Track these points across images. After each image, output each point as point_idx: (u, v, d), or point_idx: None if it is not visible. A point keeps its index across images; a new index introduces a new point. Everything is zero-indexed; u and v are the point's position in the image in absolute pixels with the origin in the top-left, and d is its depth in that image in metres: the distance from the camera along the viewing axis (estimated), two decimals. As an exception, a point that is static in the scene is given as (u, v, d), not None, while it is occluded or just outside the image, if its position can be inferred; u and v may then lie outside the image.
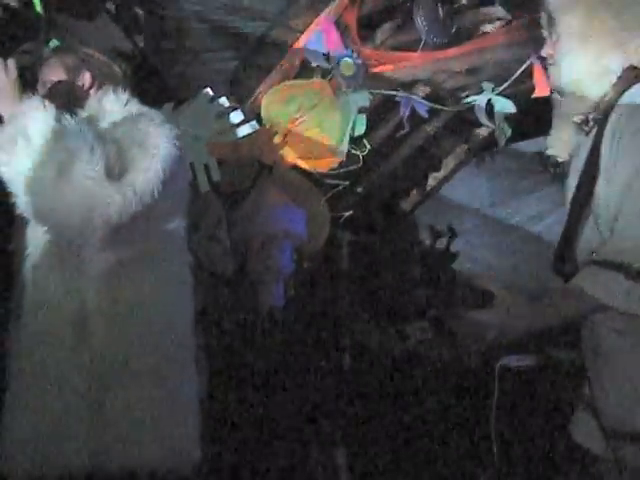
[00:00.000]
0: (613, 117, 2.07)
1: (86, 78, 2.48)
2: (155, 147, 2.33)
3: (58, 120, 2.27)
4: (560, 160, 2.25)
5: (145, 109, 2.45)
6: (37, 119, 2.26)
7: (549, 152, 2.29)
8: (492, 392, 3.39)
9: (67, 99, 2.43)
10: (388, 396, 3.69)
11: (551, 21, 2.18)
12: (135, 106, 2.45)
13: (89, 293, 2.35)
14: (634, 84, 2.10)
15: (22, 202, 2.27)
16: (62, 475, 2.31)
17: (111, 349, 2.34)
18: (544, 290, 2.24)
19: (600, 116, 2.11)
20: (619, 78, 2.11)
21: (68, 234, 2.31)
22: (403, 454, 3.59)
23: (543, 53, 2.24)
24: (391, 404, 3.68)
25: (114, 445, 2.31)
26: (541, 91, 3.44)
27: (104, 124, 2.40)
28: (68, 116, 2.31)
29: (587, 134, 2.15)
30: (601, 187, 2.08)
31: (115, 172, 2.25)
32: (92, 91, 2.48)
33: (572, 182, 2.19)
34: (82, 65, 2.48)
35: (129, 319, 2.37)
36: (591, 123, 2.13)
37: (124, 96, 2.45)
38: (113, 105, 2.43)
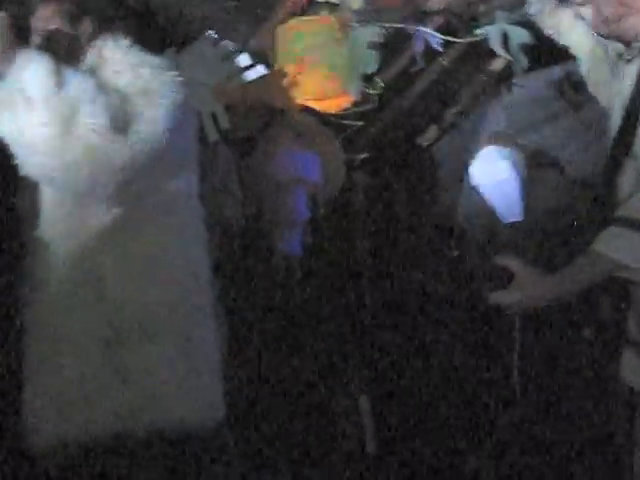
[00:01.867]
0: None
1: (85, 25, 2.34)
2: (160, 96, 2.22)
3: (56, 72, 2.14)
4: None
5: (147, 56, 2.33)
6: (33, 72, 2.13)
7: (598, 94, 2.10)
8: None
9: (65, 49, 2.30)
10: (410, 343, 3.62)
11: None
12: (136, 53, 2.33)
13: (101, 251, 2.27)
14: None
15: (26, 162, 2.17)
16: (88, 440, 2.27)
17: (127, 307, 2.28)
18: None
19: None
20: None
21: (76, 191, 2.22)
22: (427, 401, 3.52)
23: None
24: (414, 351, 3.61)
25: (138, 405, 2.27)
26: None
27: (105, 73, 2.27)
28: (66, 67, 2.19)
29: (628, 61, 1.97)
30: None
31: (120, 124, 2.14)
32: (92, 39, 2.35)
33: (616, 117, 2.03)
34: (79, 10, 2.34)
35: (143, 275, 2.31)
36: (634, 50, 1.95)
37: (124, 42, 2.33)
38: (114, 53, 2.31)
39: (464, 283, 3.37)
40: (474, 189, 3.96)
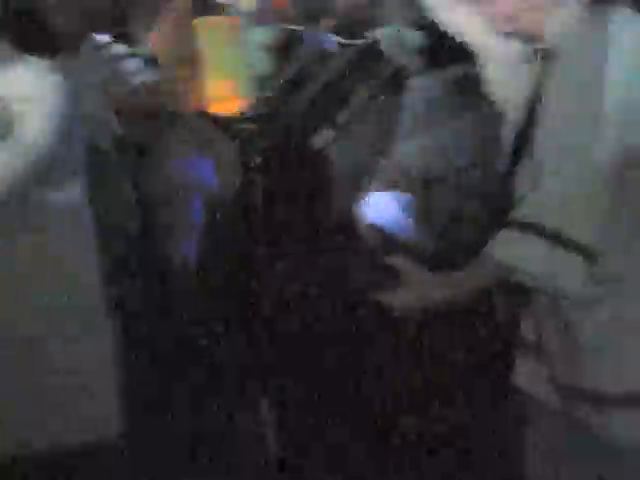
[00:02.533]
0: (565, 44, 1.85)
1: None
2: (44, 102, 2.14)
3: None
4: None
5: (30, 59, 2.24)
6: None
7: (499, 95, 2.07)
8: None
9: None
10: (310, 343, 3.60)
11: None
12: (17, 55, 2.24)
13: None
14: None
15: None
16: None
17: (13, 316, 2.21)
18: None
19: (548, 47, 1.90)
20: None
21: None
22: (328, 404, 3.50)
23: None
24: (314, 351, 3.59)
25: (21, 426, 2.20)
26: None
27: None
28: None
29: (530, 62, 1.95)
30: (541, 128, 1.87)
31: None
32: None
33: (515, 118, 2.00)
34: None
35: (30, 284, 2.23)
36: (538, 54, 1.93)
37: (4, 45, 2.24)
38: None
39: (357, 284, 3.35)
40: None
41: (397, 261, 1.92)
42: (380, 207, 2.36)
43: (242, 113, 3.43)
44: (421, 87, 4.48)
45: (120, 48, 3.08)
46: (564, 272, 1.75)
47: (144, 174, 3.27)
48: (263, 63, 3.35)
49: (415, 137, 4.41)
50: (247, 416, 3.43)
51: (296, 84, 3.79)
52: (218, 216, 3.48)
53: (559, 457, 2.06)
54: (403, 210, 2.70)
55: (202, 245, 3.45)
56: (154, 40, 3.26)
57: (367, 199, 2.92)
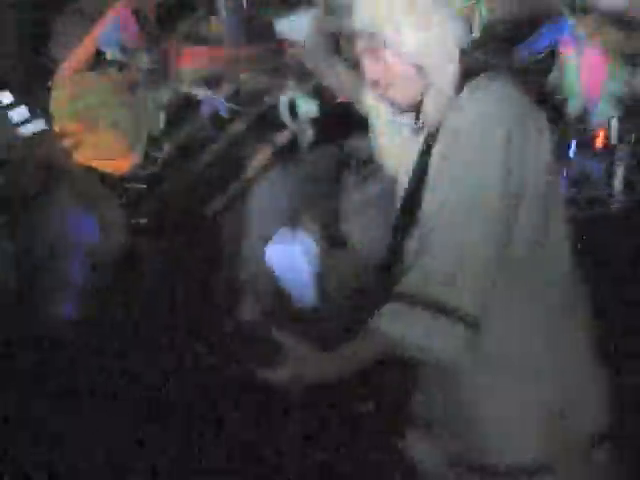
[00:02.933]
0: (450, 117, 1.87)
1: None
2: None
3: None
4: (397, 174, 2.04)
5: None
6: None
7: (385, 167, 2.06)
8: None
9: None
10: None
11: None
12: None
13: None
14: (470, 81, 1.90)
15: None
16: None
17: None
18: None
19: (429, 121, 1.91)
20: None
21: None
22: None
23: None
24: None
25: None
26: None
27: None
28: None
29: (418, 132, 1.96)
30: (425, 198, 1.88)
31: None
32: None
33: (400, 188, 2.00)
34: None
35: None
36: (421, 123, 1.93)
37: None
38: None
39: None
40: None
41: (281, 336, 1.85)
42: (284, 249, 2.28)
43: (131, 172, 3.36)
44: (312, 160, 4.52)
45: (7, 97, 2.98)
46: (445, 341, 1.73)
47: (24, 228, 3.14)
48: (157, 123, 3.29)
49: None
50: None
51: (191, 147, 3.75)
52: (98, 277, 3.35)
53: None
54: (308, 252, 2.63)
55: (81, 308, 3.31)
56: (45, 92, 3.17)
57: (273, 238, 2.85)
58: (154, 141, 3.36)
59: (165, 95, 3.26)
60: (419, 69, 1.86)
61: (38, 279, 3.19)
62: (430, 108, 1.88)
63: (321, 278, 3.42)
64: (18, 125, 3.03)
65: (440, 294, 1.74)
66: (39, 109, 3.17)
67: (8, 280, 2.96)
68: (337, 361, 1.81)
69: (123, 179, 3.42)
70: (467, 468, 1.90)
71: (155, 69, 3.19)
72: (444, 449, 1.95)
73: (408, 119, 1.96)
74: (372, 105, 2.00)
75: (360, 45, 1.89)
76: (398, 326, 1.75)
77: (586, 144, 3.83)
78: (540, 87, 3.40)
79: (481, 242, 1.75)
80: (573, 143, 3.75)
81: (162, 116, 3.29)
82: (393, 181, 2.05)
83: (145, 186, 3.50)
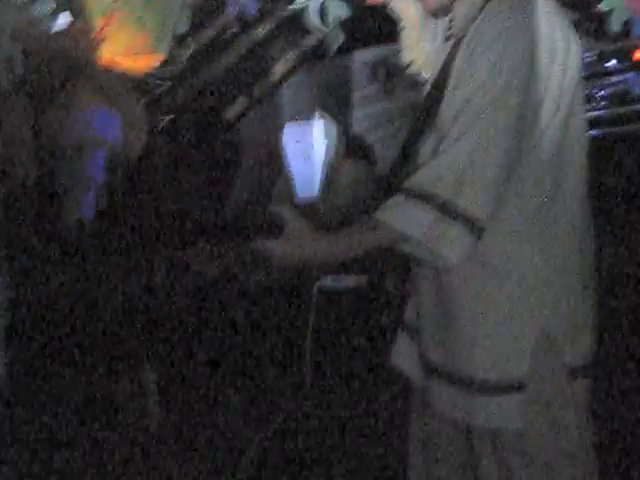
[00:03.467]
0: (476, 23, 1.83)
1: None
2: None
3: None
4: (425, 74, 2.00)
5: None
6: None
7: (413, 67, 2.01)
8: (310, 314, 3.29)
9: None
10: (199, 317, 3.51)
11: None
12: None
13: None
14: None
15: None
16: None
17: None
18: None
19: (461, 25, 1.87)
20: None
21: None
22: (212, 377, 3.43)
23: None
24: (201, 325, 3.50)
25: None
26: (376, -2, 3.24)
27: None
28: None
29: (447, 39, 1.92)
30: (444, 101, 1.86)
31: None
32: None
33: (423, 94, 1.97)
34: None
35: None
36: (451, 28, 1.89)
37: None
38: None
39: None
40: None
41: (281, 210, 1.84)
42: (303, 130, 2.23)
43: (155, 70, 3.31)
44: (340, 66, 4.44)
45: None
46: (449, 241, 1.72)
47: (46, 122, 3.11)
48: (183, 21, 3.21)
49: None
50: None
51: (215, 47, 3.69)
52: (120, 175, 3.34)
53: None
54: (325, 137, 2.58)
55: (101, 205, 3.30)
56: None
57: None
58: (179, 39, 3.29)
59: (192, -8, 3.19)
60: None
61: (58, 173, 3.18)
62: (460, 13, 1.84)
63: (331, 169, 3.40)
64: (45, 17, 2.98)
65: (449, 194, 1.72)
66: (66, 2, 3.12)
67: (29, 173, 2.95)
68: (334, 243, 1.79)
69: (145, 77, 3.37)
70: (447, 379, 1.90)
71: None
72: (428, 357, 1.95)
73: (438, 24, 1.92)
74: (403, 7, 1.95)
75: None
76: (402, 219, 1.73)
77: (626, 58, 3.75)
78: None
79: (496, 147, 1.72)
80: (613, 59, 3.68)
81: (188, 14, 3.20)
82: (419, 92, 2.01)
83: (168, 84, 3.46)
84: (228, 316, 3.43)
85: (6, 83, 2.81)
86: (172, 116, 3.64)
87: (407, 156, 1.94)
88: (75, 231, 3.16)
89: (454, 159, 1.74)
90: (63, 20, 3.11)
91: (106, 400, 3.24)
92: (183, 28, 3.22)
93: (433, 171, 1.76)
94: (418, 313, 1.97)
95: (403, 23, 1.97)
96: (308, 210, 3.20)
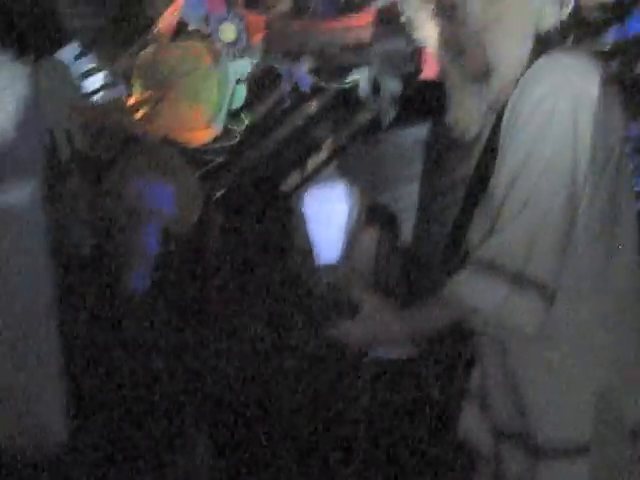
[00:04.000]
0: (515, 91, 1.86)
1: None
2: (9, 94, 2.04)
3: None
4: (469, 135, 2.02)
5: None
6: None
7: (456, 129, 2.03)
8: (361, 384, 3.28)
9: None
10: (254, 385, 3.50)
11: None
12: None
13: None
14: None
15: None
16: None
17: None
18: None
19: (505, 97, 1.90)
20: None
21: None
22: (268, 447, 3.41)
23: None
24: (259, 393, 3.49)
25: None
26: (428, 72, 3.27)
27: None
28: None
29: (492, 110, 1.94)
30: (495, 170, 1.87)
31: None
32: None
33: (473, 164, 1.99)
34: None
35: None
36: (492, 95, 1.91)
37: None
38: None
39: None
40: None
41: (356, 292, 1.85)
42: (328, 194, 2.25)
43: (209, 144, 3.35)
44: (392, 142, 4.48)
45: (93, 60, 2.98)
46: (522, 311, 1.74)
47: (101, 194, 3.16)
48: (238, 96, 3.26)
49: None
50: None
51: (269, 121, 3.74)
52: (173, 248, 3.36)
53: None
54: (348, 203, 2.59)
55: (153, 278, 3.32)
56: (130, 58, 3.18)
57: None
58: (234, 114, 3.34)
59: (247, 68, 3.23)
60: (485, 42, 1.85)
61: (111, 246, 3.21)
62: (497, 81, 1.87)
63: (351, 236, 3.40)
64: (98, 91, 3.05)
65: (519, 264, 1.74)
66: (120, 76, 3.19)
67: (84, 243, 2.98)
68: (409, 321, 1.81)
69: (201, 151, 3.42)
70: (516, 445, 1.88)
71: (238, 41, 3.16)
72: (498, 424, 1.93)
73: (479, 89, 1.94)
74: (448, 70, 1.98)
75: (435, 5, 1.90)
76: (474, 294, 1.76)
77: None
78: (627, 70, 3.33)
79: (556, 214, 1.76)
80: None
81: (244, 89, 3.25)
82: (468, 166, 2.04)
83: (222, 159, 3.50)
84: (281, 386, 3.42)
85: (65, 155, 2.86)
86: (225, 189, 3.68)
87: (459, 228, 1.96)
88: (129, 302, 3.18)
89: (518, 230, 1.77)
90: (115, 93, 3.18)
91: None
92: (238, 103, 3.27)
93: (499, 243, 1.79)
94: (484, 381, 1.97)
95: (448, 84, 2.00)
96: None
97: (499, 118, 1.89)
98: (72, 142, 2.88)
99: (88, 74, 2.99)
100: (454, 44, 1.89)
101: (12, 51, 2.18)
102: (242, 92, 3.26)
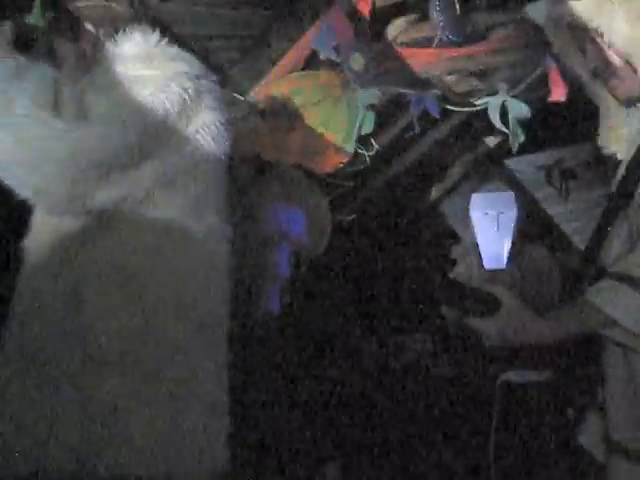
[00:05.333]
0: None
1: (88, 37, 2.25)
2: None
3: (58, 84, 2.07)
4: (619, 158, 2.04)
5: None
6: (38, 83, 2.05)
7: (606, 150, 2.07)
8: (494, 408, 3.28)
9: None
10: (384, 410, 3.54)
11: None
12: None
13: (80, 261, 2.07)
14: None
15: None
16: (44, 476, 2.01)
17: (105, 320, 2.03)
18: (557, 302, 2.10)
19: None
20: None
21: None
22: (398, 471, 3.43)
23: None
24: (387, 419, 3.53)
25: (107, 448, 2.00)
26: (557, 95, 3.27)
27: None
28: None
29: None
30: None
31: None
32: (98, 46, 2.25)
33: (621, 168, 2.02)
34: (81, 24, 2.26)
35: (124, 286, 2.07)
36: None
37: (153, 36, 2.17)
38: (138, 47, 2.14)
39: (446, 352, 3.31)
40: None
41: (496, 289, 1.89)
42: (495, 196, 2.29)
43: (340, 169, 3.44)
44: (516, 169, 4.46)
45: (227, 94, 3.09)
46: None
47: (237, 218, 3.27)
48: (368, 122, 3.33)
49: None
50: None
51: (396, 148, 3.80)
52: (304, 270, 3.45)
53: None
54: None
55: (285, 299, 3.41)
56: (263, 89, 3.30)
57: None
58: (363, 139, 3.42)
59: (376, 95, 3.30)
60: (631, 65, 1.87)
61: (246, 269, 3.31)
62: None
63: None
64: (239, 121, 3.16)
65: None
66: (254, 107, 3.30)
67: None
68: (545, 325, 1.84)
69: (330, 175, 3.51)
70: (624, 454, 1.91)
71: (368, 70, 3.24)
72: (614, 436, 1.97)
73: (633, 111, 1.96)
74: (601, 94, 2.01)
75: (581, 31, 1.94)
76: (613, 303, 1.79)
77: None
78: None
79: None
80: None
81: (372, 116, 3.33)
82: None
83: (352, 184, 3.58)
84: (410, 408, 3.45)
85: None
86: (354, 216, 3.76)
87: (598, 240, 1.98)
88: (263, 324, 3.27)
89: None
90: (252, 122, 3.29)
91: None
92: (367, 129, 3.34)
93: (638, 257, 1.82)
94: (607, 393, 1.98)
95: (602, 108, 2.03)
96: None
97: None
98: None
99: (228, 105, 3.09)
100: (604, 70, 1.92)
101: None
102: (371, 118, 3.34)
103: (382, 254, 3.88)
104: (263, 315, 3.29)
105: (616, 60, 1.90)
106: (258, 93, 3.32)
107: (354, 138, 3.34)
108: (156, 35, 2.17)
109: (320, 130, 3.32)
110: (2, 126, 1.97)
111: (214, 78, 2.25)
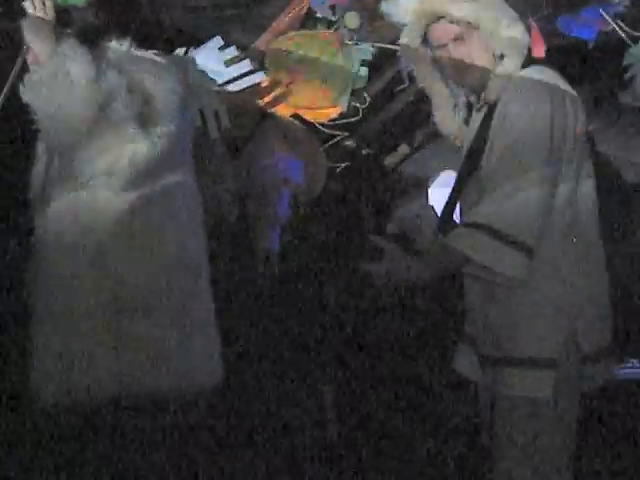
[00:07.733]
0: (509, 89, 2.34)
1: None
2: (176, 97, 2.46)
3: (95, 63, 2.35)
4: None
5: (161, 58, 2.54)
6: (77, 60, 2.32)
7: (444, 132, 2.55)
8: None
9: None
10: (379, 337, 3.86)
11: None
12: (151, 56, 2.54)
13: (106, 231, 2.44)
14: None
15: (52, 134, 2.39)
16: (90, 401, 2.42)
17: (130, 282, 2.45)
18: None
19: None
20: None
21: (95, 172, 2.40)
22: (390, 394, 3.75)
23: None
24: (382, 344, 3.84)
25: (139, 370, 2.43)
26: (537, 52, 3.52)
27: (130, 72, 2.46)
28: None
29: (479, 110, 2.43)
30: (485, 155, 2.35)
31: (143, 119, 2.40)
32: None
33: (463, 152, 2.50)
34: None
35: (146, 253, 2.47)
36: (482, 101, 2.41)
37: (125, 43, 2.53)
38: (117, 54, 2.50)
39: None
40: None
41: (381, 241, 2.34)
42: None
43: (334, 120, 3.69)
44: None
45: (233, 51, 3.31)
46: (507, 263, 2.24)
47: (240, 166, 3.54)
48: (362, 77, 3.59)
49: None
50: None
51: (384, 99, 4.06)
52: (302, 212, 3.74)
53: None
54: None
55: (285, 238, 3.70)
56: (262, 45, 3.51)
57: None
58: (356, 93, 3.67)
59: (369, 51, 3.55)
60: (499, 58, 2.37)
61: (249, 213, 3.59)
62: (494, 89, 2.37)
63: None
64: (240, 77, 3.37)
65: (503, 225, 2.24)
66: (256, 61, 3.52)
67: (231, 210, 3.37)
68: (419, 267, 2.31)
69: (325, 126, 3.77)
70: (492, 363, 2.37)
71: (361, 27, 3.47)
72: (483, 353, 2.43)
73: (471, 98, 2.47)
74: (432, 86, 2.53)
75: (453, 30, 2.37)
76: (468, 247, 2.26)
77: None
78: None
79: (538, 186, 2.26)
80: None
81: (366, 70, 3.58)
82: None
83: (346, 133, 3.84)
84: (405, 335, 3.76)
85: (214, 134, 3.22)
86: (347, 163, 4.03)
87: (455, 197, 2.48)
88: (265, 261, 3.57)
89: (506, 197, 2.28)
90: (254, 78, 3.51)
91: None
92: (361, 83, 3.60)
93: (490, 207, 2.31)
94: (473, 323, 2.50)
95: (434, 101, 2.42)
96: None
97: (487, 116, 2.37)
98: (219, 122, 3.24)
99: (231, 62, 3.31)
100: (468, 65, 2.37)
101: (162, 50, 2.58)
102: (365, 73, 3.59)
103: (368, 199, 4.17)
104: (267, 253, 3.59)
105: (486, 56, 2.39)
106: (258, 48, 3.53)
107: (349, 91, 3.60)
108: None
109: (318, 83, 3.55)
110: None
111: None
